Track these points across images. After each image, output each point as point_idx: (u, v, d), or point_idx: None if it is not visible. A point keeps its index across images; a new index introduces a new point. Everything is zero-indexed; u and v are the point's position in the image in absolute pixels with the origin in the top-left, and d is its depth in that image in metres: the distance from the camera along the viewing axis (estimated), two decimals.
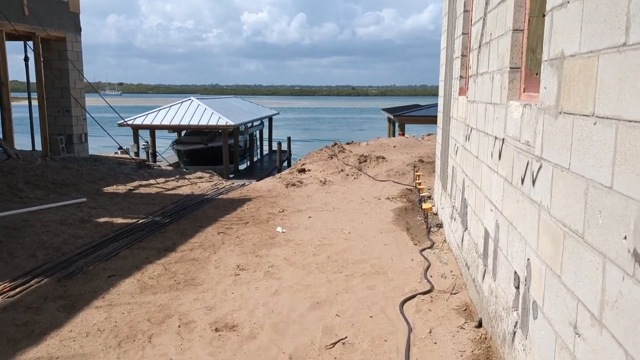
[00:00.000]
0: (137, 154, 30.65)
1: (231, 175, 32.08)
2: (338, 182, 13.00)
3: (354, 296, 5.41)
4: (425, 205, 8.17)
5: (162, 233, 7.99)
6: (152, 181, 12.87)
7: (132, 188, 11.94)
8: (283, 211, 9.62)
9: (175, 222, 8.79)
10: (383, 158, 14.78)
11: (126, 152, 31.11)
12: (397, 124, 33.45)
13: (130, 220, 8.81)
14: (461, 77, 7.06)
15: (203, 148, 31.59)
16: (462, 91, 7.01)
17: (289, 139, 38.63)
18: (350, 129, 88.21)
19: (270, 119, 41.85)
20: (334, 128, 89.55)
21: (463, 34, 6.86)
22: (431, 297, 5.40)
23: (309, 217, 9.12)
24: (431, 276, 6.03)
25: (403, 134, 32.54)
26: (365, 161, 14.60)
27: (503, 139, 4.17)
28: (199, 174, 16.40)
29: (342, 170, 13.96)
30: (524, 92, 3.96)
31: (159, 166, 18.04)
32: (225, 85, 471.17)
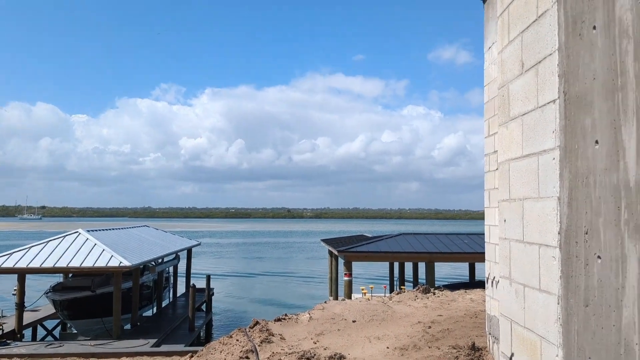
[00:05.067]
0: None
1: (127, 327, 24.10)
2: None
3: None
4: None
5: None
6: None
7: None
8: None
9: None
10: (341, 358, 8.09)
11: None
12: (341, 261, 27.11)
13: None
14: None
15: (88, 296, 23.69)
16: None
17: (208, 277, 31.20)
18: (290, 257, 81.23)
19: (189, 251, 34.50)
20: (271, 256, 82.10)
21: None
22: None
23: None
24: None
25: (350, 275, 26.10)
26: None
27: None
28: None
29: None
30: None
31: None
32: (157, 208, 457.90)
